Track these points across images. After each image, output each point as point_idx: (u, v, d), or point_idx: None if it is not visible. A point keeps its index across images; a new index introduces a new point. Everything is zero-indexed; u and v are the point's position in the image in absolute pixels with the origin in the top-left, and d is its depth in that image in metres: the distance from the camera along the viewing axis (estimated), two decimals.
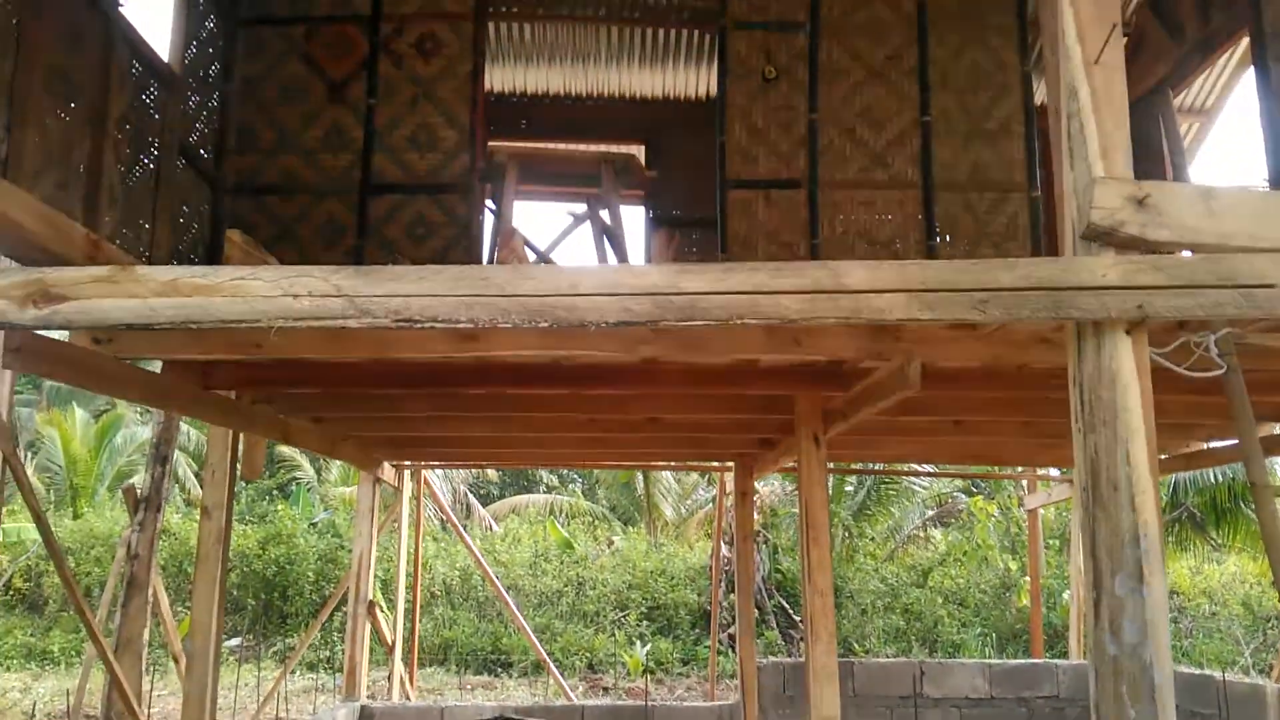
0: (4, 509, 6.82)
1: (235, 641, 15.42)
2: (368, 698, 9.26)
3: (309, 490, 19.26)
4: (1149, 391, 2.66)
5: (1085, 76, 2.79)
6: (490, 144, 5.65)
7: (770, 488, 17.56)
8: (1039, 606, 11.04)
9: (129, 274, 2.60)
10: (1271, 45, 6.46)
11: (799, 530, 6.02)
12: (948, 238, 6.28)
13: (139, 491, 8.10)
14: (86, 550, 16.53)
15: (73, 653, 14.76)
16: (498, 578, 13.43)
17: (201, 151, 5.76)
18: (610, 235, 5.84)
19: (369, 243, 5.94)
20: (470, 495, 19.76)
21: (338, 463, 18.72)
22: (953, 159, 6.35)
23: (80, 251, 3.65)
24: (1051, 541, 16.50)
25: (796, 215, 6.30)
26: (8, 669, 14.48)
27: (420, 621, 13.12)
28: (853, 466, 12.95)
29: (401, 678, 10.06)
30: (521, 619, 11.91)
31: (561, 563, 17.50)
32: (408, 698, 10.18)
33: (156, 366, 5.42)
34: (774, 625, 16.06)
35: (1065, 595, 15.22)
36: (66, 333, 4.19)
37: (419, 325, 2.64)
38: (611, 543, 18.92)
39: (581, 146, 9.70)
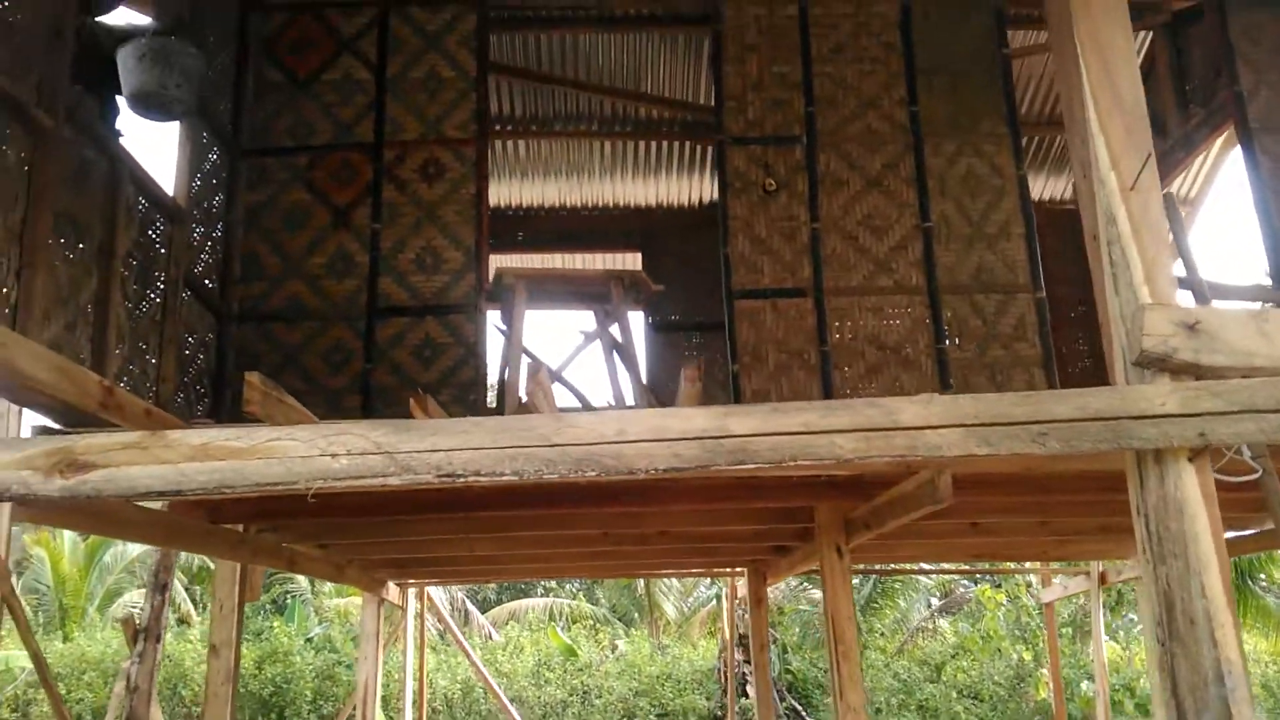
0: None
1: None
2: None
3: (303, 603, 18.76)
4: (1218, 519, 2.58)
5: (1122, 202, 2.79)
6: (499, 266, 5.62)
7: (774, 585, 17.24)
8: (1061, 700, 10.74)
9: (159, 439, 2.50)
10: (1259, 139, 6.62)
11: (827, 647, 5.83)
12: (957, 340, 6.28)
13: (137, 621, 7.82)
14: (78, 676, 15.90)
15: None
16: (501, 689, 12.98)
17: (206, 281, 5.72)
18: (621, 351, 5.79)
19: (377, 367, 5.87)
20: (468, 602, 19.29)
21: None
22: (956, 263, 6.39)
23: (94, 400, 3.54)
24: (1064, 630, 16.18)
25: (804, 323, 6.29)
26: None
27: None
28: (859, 567, 12.73)
29: None
30: None
31: (565, 670, 17.00)
32: None
33: None
34: None
35: (1084, 685, 14.89)
36: None
37: (461, 480, 2.54)
38: (615, 647, 18.44)
39: (586, 258, 9.80)
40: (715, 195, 9.36)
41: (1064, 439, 2.58)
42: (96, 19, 4.81)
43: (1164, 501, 2.61)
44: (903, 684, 16.33)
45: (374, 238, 6.04)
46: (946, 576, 18.29)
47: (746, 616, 11.51)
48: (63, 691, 14.87)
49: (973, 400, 2.58)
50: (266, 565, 5.92)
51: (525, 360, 5.90)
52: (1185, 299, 3.23)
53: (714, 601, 18.06)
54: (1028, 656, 16.19)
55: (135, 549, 18.48)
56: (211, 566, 8.35)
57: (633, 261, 9.75)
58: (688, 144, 9.02)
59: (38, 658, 5.12)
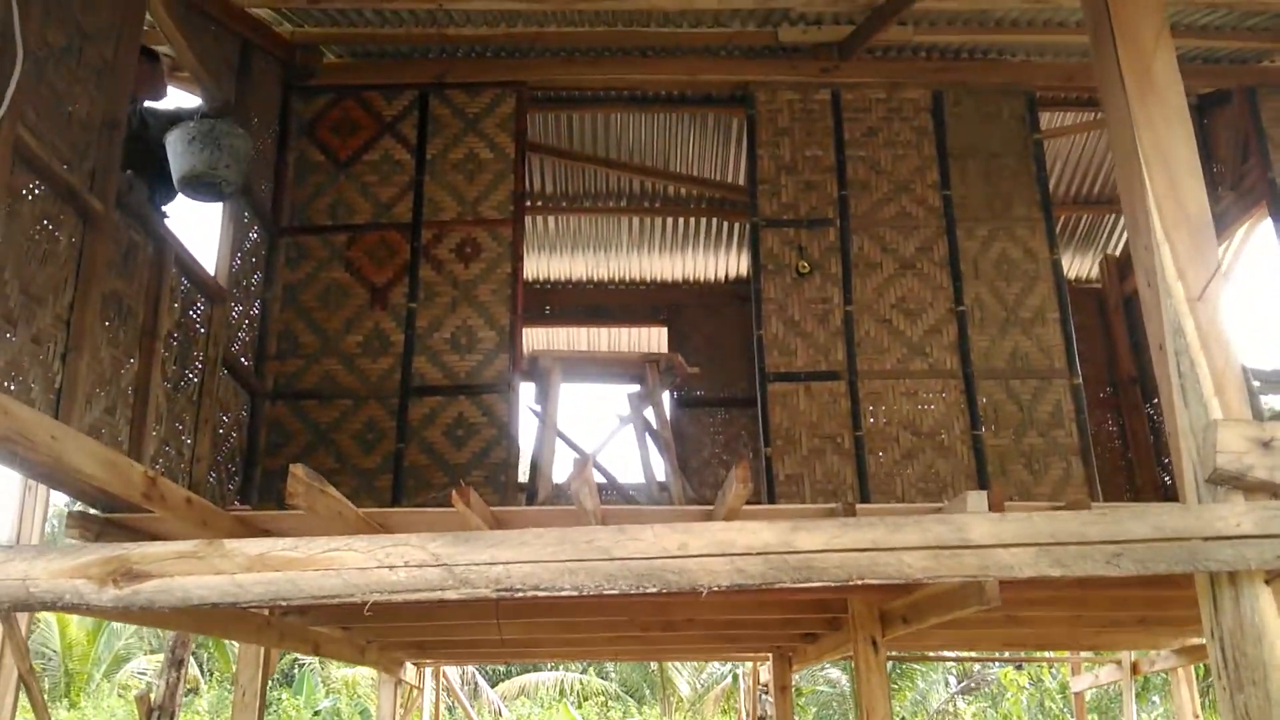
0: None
1: None
2: None
3: (311, 673, 18.49)
4: None
5: (1189, 313, 2.75)
6: (535, 348, 5.61)
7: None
8: None
9: (216, 548, 2.45)
10: None
11: None
12: (993, 427, 6.21)
13: (152, 698, 7.69)
14: None
15: None
16: None
17: (243, 359, 5.72)
18: (655, 436, 5.75)
19: (409, 447, 5.83)
20: (478, 675, 18.97)
21: None
22: (991, 347, 6.35)
23: (138, 490, 3.52)
24: (1091, 717, 15.77)
25: (838, 406, 6.24)
26: None
27: None
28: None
29: None
30: None
31: None
32: None
33: None
34: None
35: None
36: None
37: (520, 594, 2.48)
38: None
39: (614, 332, 9.81)
40: (742, 271, 9.46)
41: (1138, 560, 2.51)
42: (148, 105, 4.88)
43: (1240, 626, 2.53)
44: None
45: (409, 317, 6.05)
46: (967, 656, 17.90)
47: (766, 699, 11.25)
48: None
49: (1046, 519, 2.51)
50: (292, 649, 5.82)
51: (559, 441, 5.87)
52: None
53: (729, 679, 17.70)
54: None
55: None
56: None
57: (659, 336, 9.76)
58: (715, 220, 9.08)
59: None
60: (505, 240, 6.24)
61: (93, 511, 4.02)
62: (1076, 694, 10.27)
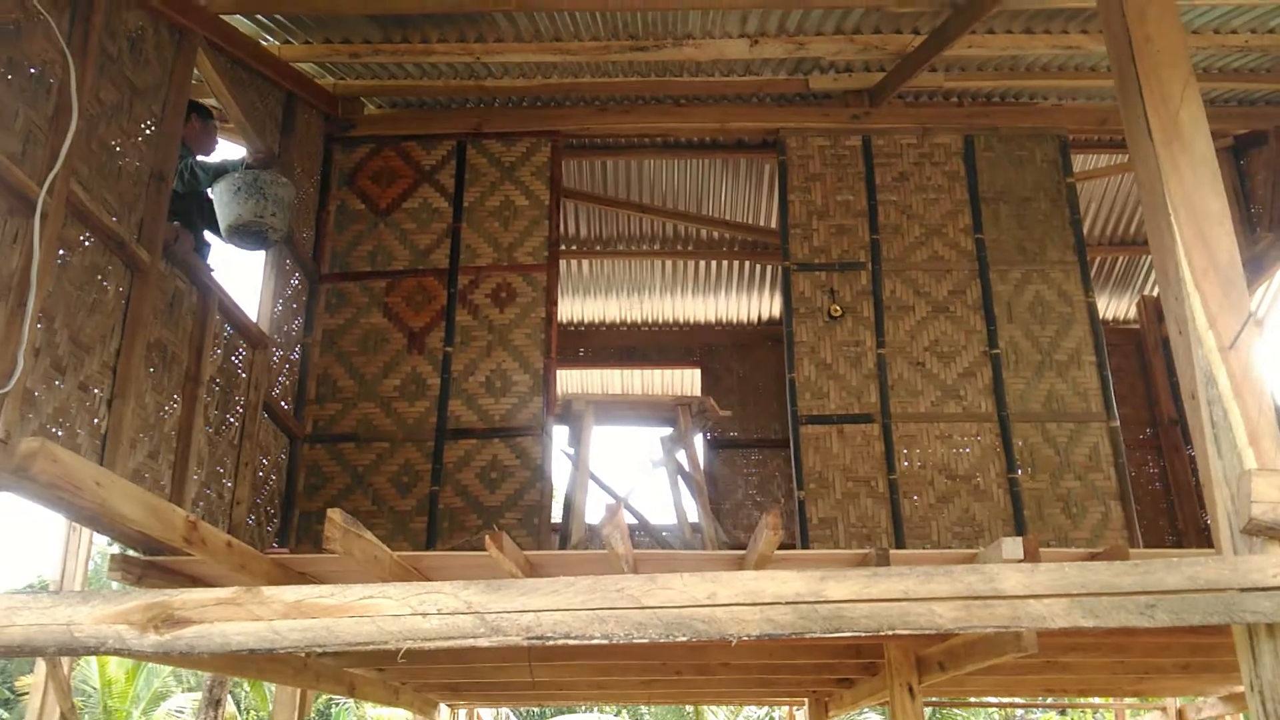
0: None
1: None
2: None
3: (346, 712, 18.48)
4: None
5: (1221, 362, 2.74)
6: (568, 392, 5.67)
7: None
8: None
9: (254, 595, 2.51)
10: None
11: None
12: (1030, 470, 6.15)
13: None
14: None
15: None
16: None
17: (282, 403, 5.83)
18: (687, 479, 5.76)
19: (444, 489, 5.89)
20: (512, 717, 18.85)
21: None
22: (1026, 390, 6.31)
23: (180, 534, 3.59)
24: None
25: (871, 449, 6.22)
26: None
27: None
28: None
29: None
30: None
31: None
32: None
33: None
34: None
35: None
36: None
37: (551, 641, 2.51)
38: None
39: (646, 374, 9.86)
40: (774, 313, 9.49)
41: (1173, 611, 2.49)
42: (197, 158, 5.05)
43: (1279, 678, 2.49)
44: None
45: (446, 361, 6.14)
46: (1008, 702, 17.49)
47: None
48: None
49: (1079, 569, 2.50)
50: (328, 691, 5.86)
51: (591, 483, 5.90)
52: None
53: None
54: None
55: None
56: None
57: (692, 378, 9.79)
58: (747, 263, 9.14)
59: None
60: (540, 285, 6.34)
61: (135, 554, 4.11)
62: None
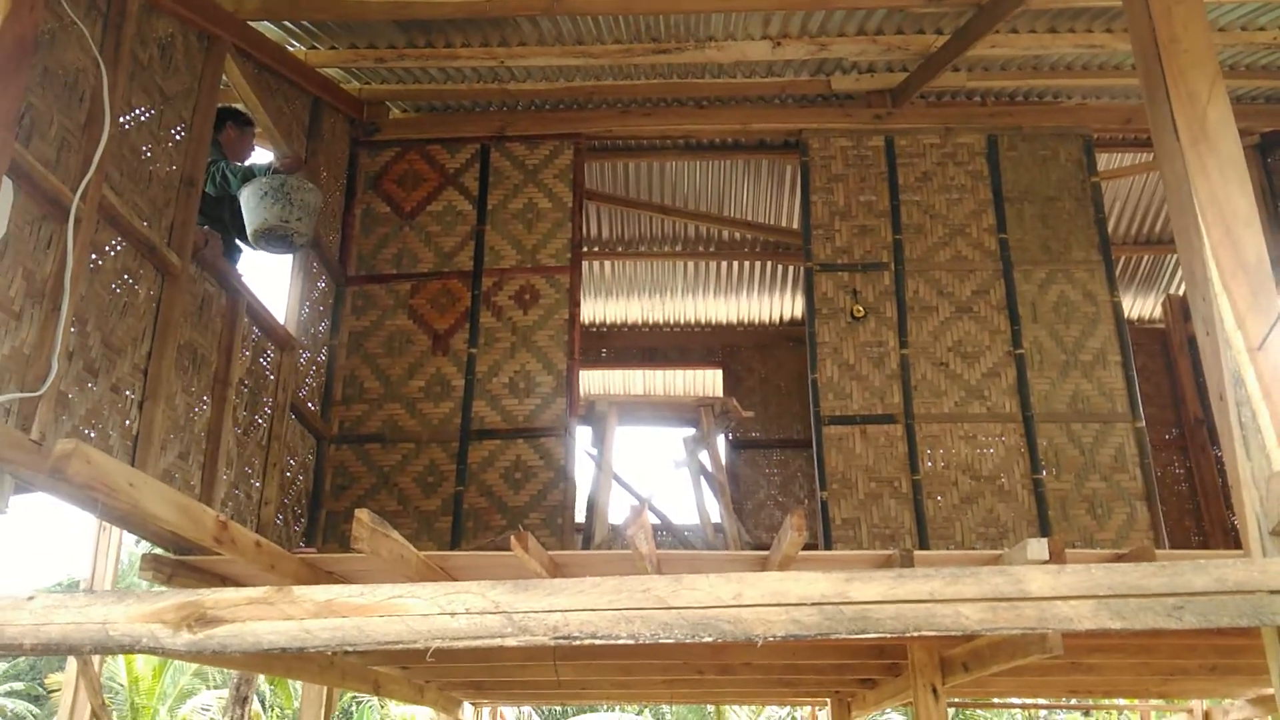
0: None
1: None
2: None
3: (370, 709, 18.62)
4: None
5: (1250, 363, 2.73)
6: (592, 393, 5.69)
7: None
8: None
9: (285, 595, 2.54)
10: None
11: None
12: (1055, 471, 6.12)
13: None
14: None
15: None
16: None
17: (309, 405, 5.89)
18: (710, 479, 5.77)
19: (469, 489, 5.93)
20: (535, 716, 18.92)
21: None
22: (1051, 390, 6.28)
23: (210, 534, 3.64)
24: None
25: (895, 450, 6.21)
26: None
27: None
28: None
29: None
30: None
31: None
32: None
33: None
34: None
35: None
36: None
37: (577, 641, 2.53)
38: None
39: (668, 374, 9.88)
40: (797, 313, 9.49)
41: (1201, 613, 2.48)
42: (228, 162, 5.11)
43: None
44: None
45: (470, 362, 6.19)
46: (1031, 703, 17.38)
47: None
48: None
49: (1105, 571, 2.50)
50: (353, 689, 5.91)
51: (615, 484, 5.93)
52: None
53: None
54: None
55: None
56: None
57: (714, 378, 9.80)
58: (769, 264, 9.14)
59: None
60: (563, 287, 6.37)
61: (165, 553, 4.17)
62: None
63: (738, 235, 8.77)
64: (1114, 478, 6.13)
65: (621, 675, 7.03)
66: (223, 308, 4.82)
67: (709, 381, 10.03)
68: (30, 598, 2.62)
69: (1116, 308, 6.46)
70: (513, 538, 3.77)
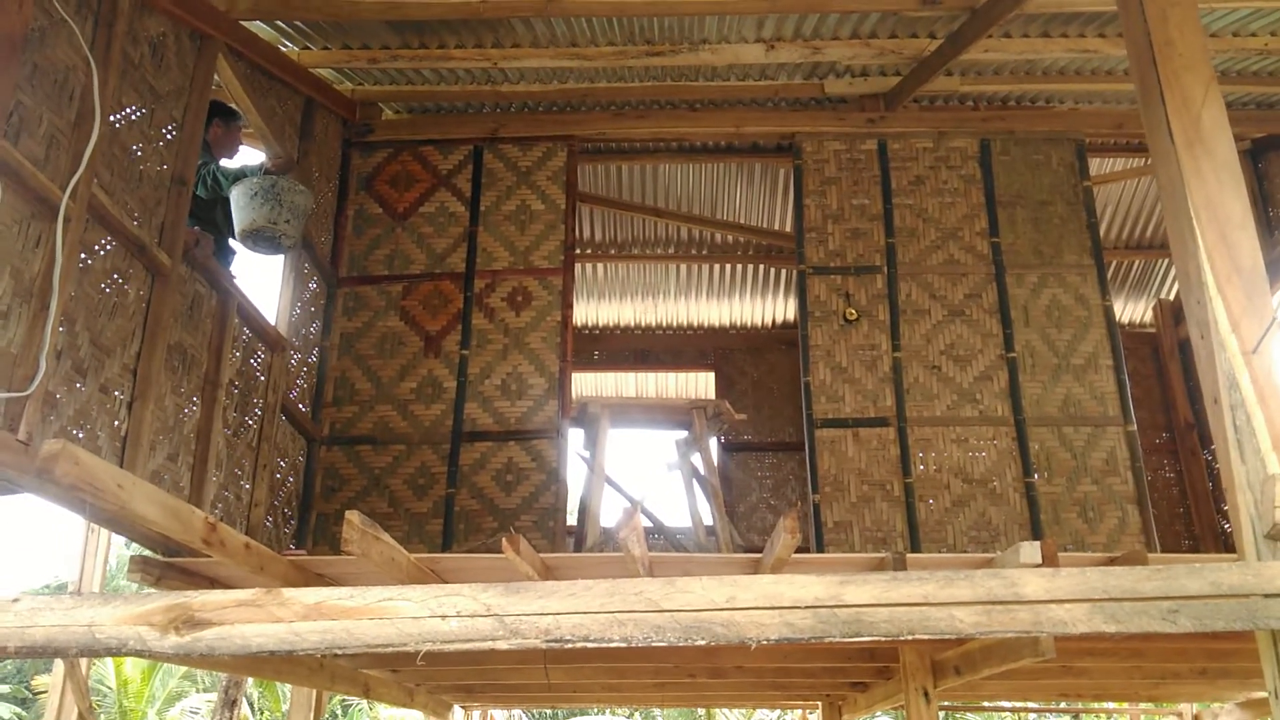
0: None
1: None
2: None
3: (360, 713, 18.54)
4: None
5: (1244, 367, 2.73)
6: (584, 395, 5.67)
7: None
8: None
9: (274, 597, 2.52)
10: None
11: None
12: (1047, 474, 6.12)
13: None
14: None
15: None
16: None
17: (300, 406, 5.85)
18: (702, 482, 5.76)
19: (460, 491, 5.91)
20: (525, 719, 18.86)
21: None
22: (1043, 394, 6.29)
23: (199, 536, 3.60)
24: None
25: (887, 453, 6.21)
26: None
27: None
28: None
29: None
30: None
31: None
32: None
33: None
34: None
35: None
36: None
37: (569, 644, 2.51)
38: None
39: (660, 377, 9.86)
40: (789, 316, 9.49)
41: (1195, 617, 2.47)
42: (219, 163, 5.08)
43: None
44: None
45: (462, 364, 6.16)
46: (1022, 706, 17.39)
47: None
48: None
49: (1100, 574, 2.49)
50: (343, 692, 5.88)
51: (606, 486, 5.90)
52: None
53: None
54: None
55: None
56: None
57: (706, 381, 9.79)
58: (762, 267, 9.13)
59: None
60: (555, 289, 6.35)
61: (154, 555, 4.14)
62: None
63: (731, 238, 8.76)
64: (1105, 481, 6.14)
65: (612, 678, 7.00)
66: (213, 308, 4.79)
67: (701, 384, 10.02)
68: (15, 600, 2.60)
69: (1108, 312, 6.47)
70: (504, 540, 3.75)
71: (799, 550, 3.80)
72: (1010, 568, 2.94)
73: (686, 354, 9.69)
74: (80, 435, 3.71)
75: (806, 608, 2.53)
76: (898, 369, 6.34)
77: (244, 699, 18.60)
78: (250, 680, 18.55)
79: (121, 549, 17.76)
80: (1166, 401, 8.70)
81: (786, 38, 6.17)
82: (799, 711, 11.11)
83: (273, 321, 5.50)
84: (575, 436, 6.37)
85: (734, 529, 6.39)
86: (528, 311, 6.30)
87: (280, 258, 5.39)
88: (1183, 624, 2.48)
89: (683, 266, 9.08)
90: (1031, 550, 3.60)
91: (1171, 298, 8.96)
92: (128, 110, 4.12)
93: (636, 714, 20.98)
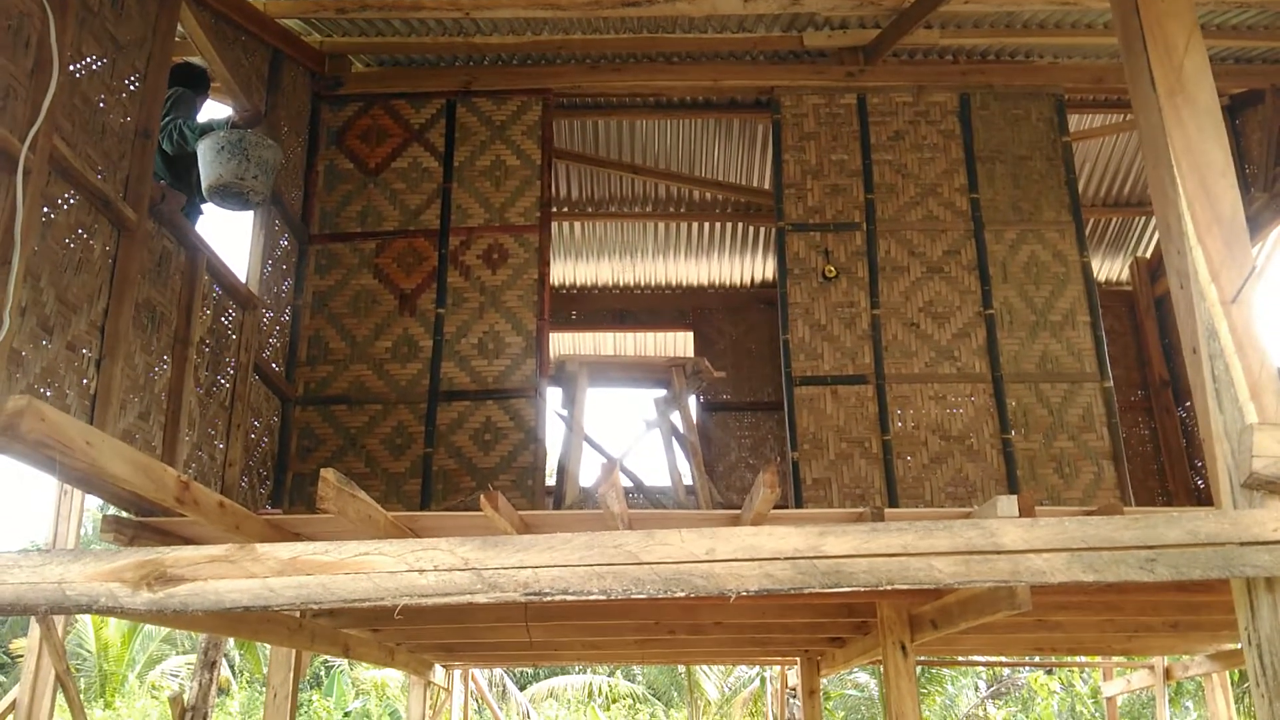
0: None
1: None
2: None
3: (341, 675, 18.62)
4: None
5: (1223, 316, 2.72)
6: (562, 353, 5.63)
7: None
8: None
9: (248, 552, 2.48)
10: None
11: None
12: (1023, 431, 6.16)
13: (185, 699, 7.78)
14: None
15: None
16: None
17: (273, 365, 5.78)
18: (681, 440, 5.74)
19: (438, 451, 5.87)
20: (506, 678, 19.01)
21: None
22: (1020, 351, 6.31)
23: (171, 494, 3.55)
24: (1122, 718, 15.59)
25: (865, 410, 6.22)
26: None
27: None
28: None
29: None
30: None
31: None
32: None
33: None
34: None
35: None
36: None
37: (548, 598, 2.49)
38: None
39: (639, 336, 9.82)
40: (768, 275, 9.45)
41: (1173, 565, 2.48)
42: (185, 119, 4.95)
43: (1277, 633, 2.49)
44: None
45: (438, 322, 6.09)
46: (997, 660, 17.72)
47: (794, 702, 11.21)
48: None
49: (1078, 523, 2.49)
50: (322, 652, 5.86)
51: (585, 445, 5.88)
52: None
53: (756, 682, 17.65)
54: None
55: None
56: None
57: (685, 340, 9.76)
58: (740, 225, 9.07)
59: None
60: (532, 246, 6.28)
61: (127, 515, 4.08)
62: (1109, 699, 10.15)
63: (709, 196, 8.69)
64: (1081, 437, 6.18)
65: (593, 636, 7.03)
66: (182, 265, 4.69)
67: (680, 344, 9.99)
68: None
69: (1086, 268, 6.48)
70: (482, 497, 3.72)
71: (778, 507, 3.81)
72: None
73: (665, 313, 9.65)
74: (48, 393, 3.63)
75: (786, 559, 2.52)
76: (876, 326, 6.34)
77: (224, 661, 18.64)
78: (231, 642, 18.58)
79: (96, 512, 17.65)
80: (1142, 359, 8.76)
81: None
82: (778, 667, 11.24)
83: (243, 279, 5.40)
84: (553, 395, 6.34)
85: (713, 487, 6.40)
86: (504, 269, 6.23)
87: (249, 214, 5.28)
88: (1160, 573, 2.49)
89: (660, 225, 9.01)
90: (1009, 504, 3.61)
91: (1148, 255, 8.99)
92: (88, 59, 3.99)
93: (617, 672, 21.19)
